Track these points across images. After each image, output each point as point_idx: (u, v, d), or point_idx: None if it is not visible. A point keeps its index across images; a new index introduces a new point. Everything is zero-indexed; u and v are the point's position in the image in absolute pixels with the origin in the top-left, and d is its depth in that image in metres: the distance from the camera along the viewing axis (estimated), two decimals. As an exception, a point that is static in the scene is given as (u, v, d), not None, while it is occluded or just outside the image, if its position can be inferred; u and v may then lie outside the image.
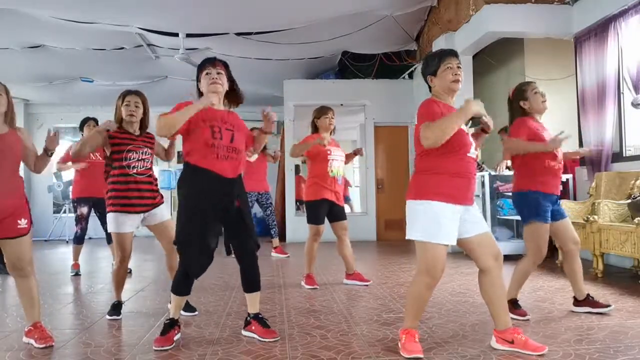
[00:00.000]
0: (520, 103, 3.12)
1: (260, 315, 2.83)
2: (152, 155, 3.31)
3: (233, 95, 2.87)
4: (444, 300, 3.65)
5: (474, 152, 2.46)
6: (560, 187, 3.12)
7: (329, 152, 4.26)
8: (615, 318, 3.04)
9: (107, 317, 3.28)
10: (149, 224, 3.27)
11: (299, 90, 8.36)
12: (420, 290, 2.43)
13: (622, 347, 2.48)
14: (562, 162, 3.11)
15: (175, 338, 2.69)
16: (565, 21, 5.60)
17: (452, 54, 2.47)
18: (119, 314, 3.30)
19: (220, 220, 2.72)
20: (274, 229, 6.53)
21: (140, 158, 3.21)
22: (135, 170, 3.18)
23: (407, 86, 8.45)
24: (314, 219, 4.30)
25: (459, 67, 2.44)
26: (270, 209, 6.44)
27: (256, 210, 7.20)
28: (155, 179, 3.33)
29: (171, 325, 2.71)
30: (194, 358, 2.47)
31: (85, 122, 5.10)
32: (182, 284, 2.72)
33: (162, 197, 3.33)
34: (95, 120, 5.10)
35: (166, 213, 3.33)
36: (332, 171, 4.26)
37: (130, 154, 3.18)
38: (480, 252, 2.45)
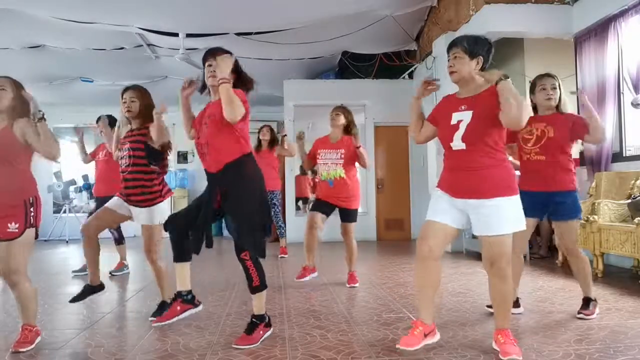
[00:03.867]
0: (531, 97, 3.16)
1: (253, 319, 2.73)
2: (132, 150, 3.15)
3: (240, 83, 2.78)
4: (444, 300, 3.64)
5: (458, 145, 2.40)
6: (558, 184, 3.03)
7: (319, 155, 4.30)
8: (615, 318, 3.04)
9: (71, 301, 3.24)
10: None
11: (299, 90, 8.36)
12: (418, 261, 2.50)
13: (622, 347, 2.48)
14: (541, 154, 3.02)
15: (181, 315, 2.72)
16: (565, 21, 5.60)
17: (452, 44, 2.50)
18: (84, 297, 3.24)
19: (214, 215, 2.71)
20: (279, 230, 6.37)
21: (122, 155, 3.23)
22: (122, 167, 3.22)
23: (407, 86, 8.43)
24: (311, 207, 4.39)
25: (455, 57, 2.44)
26: (275, 209, 6.20)
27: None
28: (137, 180, 3.15)
29: (173, 299, 2.77)
30: (194, 358, 2.47)
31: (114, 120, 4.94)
32: (174, 249, 2.73)
33: (144, 200, 3.16)
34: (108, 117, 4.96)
35: (144, 217, 3.19)
36: (322, 175, 4.28)
37: (122, 152, 3.22)
38: (483, 255, 2.44)
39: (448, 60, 2.47)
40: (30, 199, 2.66)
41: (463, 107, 2.42)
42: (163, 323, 2.69)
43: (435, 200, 2.52)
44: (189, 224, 2.69)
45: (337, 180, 4.22)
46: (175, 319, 2.70)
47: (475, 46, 2.43)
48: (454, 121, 2.43)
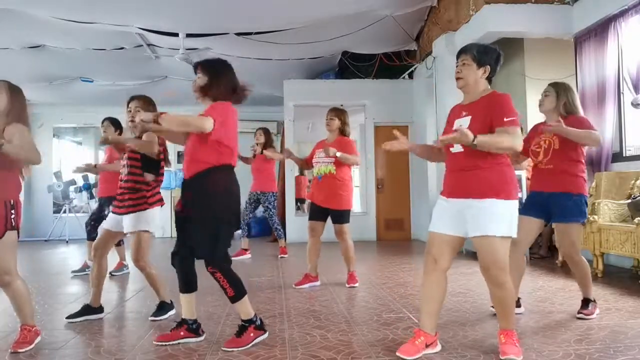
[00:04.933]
0: None
1: (242, 322, 2.71)
2: (129, 159, 3.25)
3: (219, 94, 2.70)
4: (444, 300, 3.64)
5: (457, 147, 2.42)
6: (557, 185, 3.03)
7: (314, 156, 4.38)
8: (615, 318, 3.04)
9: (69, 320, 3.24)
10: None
11: (299, 90, 8.36)
12: (424, 273, 2.51)
13: (622, 347, 2.48)
14: (546, 160, 3.07)
15: (182, 340, 2.72)
16: (565, 21, 5.60)
17: (461, 50, 2.53)
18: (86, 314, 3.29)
19: (184, 222, 2.69)
20: (277, 232, 6.33)
21: (123, 165, 3.31)
22: (121, 176, 3.30)
23: (407, 86, 8.45)
24: (308, 216, 4.40)
25: (463, 64, 2.48)
26: (269, 212, 6.20)
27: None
28: (128, 189, 3.25)
29: (179, 324, 2.77)
30: (194, 358, 2.48)
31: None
32: (180, 280, 2.77)
33: (133, 207, 3.22)
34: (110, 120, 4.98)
35: (130, 224, 3.23)
36: (314, 172, 4.37)
37: (123, 161, 3.31)
38: (478, 260, 2.42)
39: (456, 66, 2.51)
40: (11, 201, 2.65)
41: (464, 113, 2.47)
42: (164, 343, 2.68)
43: (436, 210, 2.54)
44: (188, 256, 2.73)
45: (326, 176, 4.24)
46: (175, 342, 2.70)
47: (484, 55, 2.46)
48: (455, 127, 2.47)
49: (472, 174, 2.38)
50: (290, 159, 4.59)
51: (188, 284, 2.76)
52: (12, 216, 2.64)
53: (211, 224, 2.60)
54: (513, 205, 2.37)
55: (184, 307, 2.78)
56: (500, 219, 2.31)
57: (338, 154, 4.14)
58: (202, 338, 2.78)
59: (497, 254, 2.31)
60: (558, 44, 6.06)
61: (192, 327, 2.76)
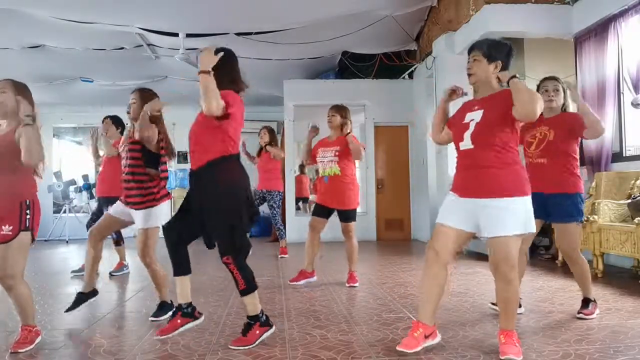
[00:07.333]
0: None
1: (248, 320, 2.70)
2: (130, 151, 3.23)
3: (229, 83, 2.66)
4: (444, 300, 3.64)
5: (467, 144, 2.43)
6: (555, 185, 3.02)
7: (317, 155, 4.37)
8: (615, 318, 3.04)
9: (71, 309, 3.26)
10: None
11: (299, 90, 8.36)
12: (424, 265, 2.51)
13: (622, 347, 2.48)
14: (542, 155, 3.03)
15: (182, 329, 2.69)
16: (565, 21, 5.60)
17: (472, 47, 2.53)
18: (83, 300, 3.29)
19: (189, 211, 2.67)
20: (279, 232, 6.30)
21: (124, 157, 3.31)
22: (122, 168, 3.30)
23: (407, 86, 8.45)
24: (312, 212, 4.42)
25: (474, 60, 2.48)
26: (273, 211, 6.14)
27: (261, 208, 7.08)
28: (133, 182, 3.22)
29: (174, 312, 2.74)
30: (194, 358, 2.48)
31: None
32: (173, 263, 2.72)
33: (142, 204, 3.19)
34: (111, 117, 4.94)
35: (139, 220, 3.20)
36: (319, 172, 4.37)
37: (123, 154, 3.30)
38: (489, 257, 2.42)
39: (468, 62, 2.51)
40: (27, 201, 2.62)
41: (476, 107, 2.47)
42: (164, 336, 2.67)
43: (445, 204, 2.53)
44: (183, 233, 2.69)
45: (332, 177, 4.24)
46: (176, 332, 2.68)
47: (494, 50, 2.46)
48: (466, 120, 2.48)
49: (486, 173, 2.37)
50: (311, 137, 4.48)
51: (181, 266, 2.71)
52: (27, 217, 2.60)
53: (225, 214, 2.57)
54: (528, 202, 2.37)
55: (179, 291, 2.73)
56: (516, 217, 2.32)
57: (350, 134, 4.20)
58: (201, 320, 2.77)
59: (509, 252, 2.32)
60: (558, 44, 6.06)
61: (187, 312, 2.72)
